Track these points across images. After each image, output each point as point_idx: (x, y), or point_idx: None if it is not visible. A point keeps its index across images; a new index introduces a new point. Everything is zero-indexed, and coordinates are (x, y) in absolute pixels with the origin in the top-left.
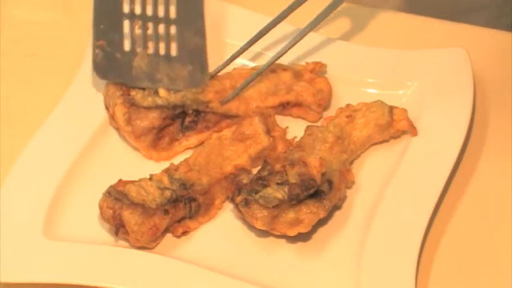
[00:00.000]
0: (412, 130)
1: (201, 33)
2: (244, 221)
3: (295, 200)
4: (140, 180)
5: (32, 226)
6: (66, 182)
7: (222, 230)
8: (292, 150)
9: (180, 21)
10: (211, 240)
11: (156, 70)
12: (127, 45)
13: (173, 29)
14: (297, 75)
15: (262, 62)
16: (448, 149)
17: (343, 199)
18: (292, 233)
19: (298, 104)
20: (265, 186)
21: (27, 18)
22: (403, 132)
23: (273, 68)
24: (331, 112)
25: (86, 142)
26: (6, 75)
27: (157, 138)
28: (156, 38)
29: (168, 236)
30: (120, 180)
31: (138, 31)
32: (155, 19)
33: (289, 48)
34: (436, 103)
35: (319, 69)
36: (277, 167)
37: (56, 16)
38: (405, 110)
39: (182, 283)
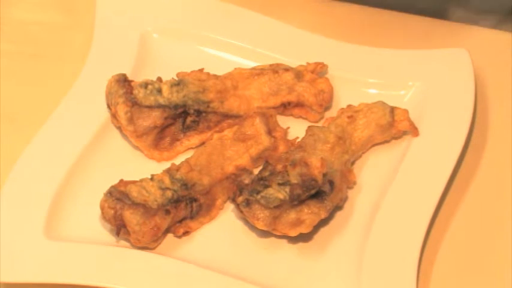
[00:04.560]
0: (413, 130)
1: None
2: (246, 222)
3: (296, 201)
4: (141, 180)
5: (33, 226)
6: (67, 181)
7: (223, 230)
8: (294, 151)
9: None
10: (212, 241)
11: None
12: None
13: None
14: (298, 75)
15: (263, 61)
16: (449, 149)
17: (344, 199)
18: (294, 233)
19: (299, 105)
20: (266, 186)
21: (28, 18)
22: (405, 133)
23: (274, 68)
24: (332, 112)
25: (87, 141)
26: (7, 75)
27: (159, 138)
28: None
29: (169, 236)
30: (121, 181)
31: None
32: None
33: None
34: (437, 103)
35: (320, 70)
36: (279, 167)
37: (56, 16)
38: (406, 111)
39: (183, 283)
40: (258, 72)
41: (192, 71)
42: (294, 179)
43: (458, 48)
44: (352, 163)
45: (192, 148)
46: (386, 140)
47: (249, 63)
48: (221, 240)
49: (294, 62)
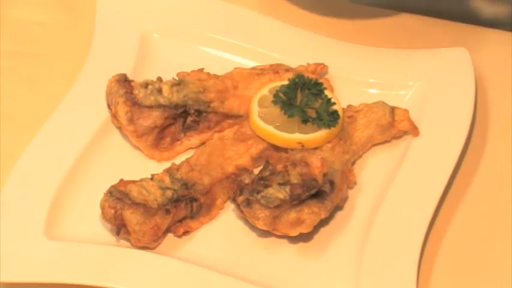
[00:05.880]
0: (413, 130)
1: None
2: (246, 221)
3: (296, 200)
4: (141, 180)
5: (33, 226)
6: (67, 181)
7: (224, 230)
8: (294, 151)
9: None
10: (212, 240)
11: None
12: None
13: None
14: None
15: (263, 61)
16: (450, 149)
17: (344, 199)
18: (294, 233)
19: None
20: (266, 186)
21: (28, 18)
22: (405, 133)
23: (275, 68)
24: None
25: (87, 141)
26: (7, 75)
27: (159, 138)
28: None
29: (170, 236)
30: (121, 180)
31: None
32: None
33: None
34: (437, 103)
35: (320, 70)
36: (279, 167)
37: (56, 16)
38: (406, 111)
39: (183, 283)
40: (259, 72)
41: (192, 71)
42: (294, 178)
43: (458, 48)
44: (353, 163)
45: (192, 148)
46: (387, 140)
47: (249, 63)
48: (221, 240)
49: (294, 62)
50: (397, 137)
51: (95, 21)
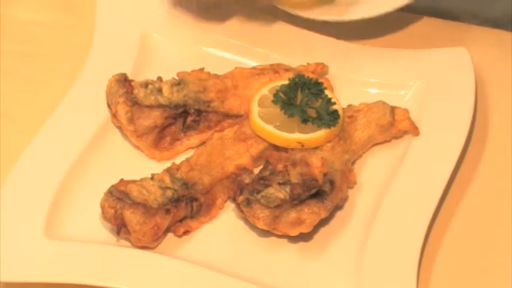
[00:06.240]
0: (413, 130)
1: None
2: (246, 221)
3: (296, 200)
4: (142, 179)
5: (33, 225)
6: (67, 181)
7: (224, 229)
8: (294, 150)
9: None
10: (212, 240)
11: None
12: None
13: None
14: None
15: (263, 61)
16: (450, 149)
17: (344, 199)
18: (294, 233)
19: None
20: (267, 186)
21: (28, 18)
22: (405, 132)
23: (275, 68)
24: None
25: (87, 141)
26: (7, 75)
27: (159, 138)
28: None
29: (170, 235)
30: (121, 180)
31: None
32: None
33: None
34: (437, 103)
35: (320, 70)
36: (279, 166)
37: (56, 16)
38: (407, 110)
39: (184, 283)
40: (259, 72)
41: (192, 71)
42: (294, 178)
43: (458, 48)
44: (353, 163)
45: (192, 148)
46: (387, 139)
47: (249, 63)
48: (221, 240)
49: (294, 62)
50: (397, 137)
51: (95, 21)
